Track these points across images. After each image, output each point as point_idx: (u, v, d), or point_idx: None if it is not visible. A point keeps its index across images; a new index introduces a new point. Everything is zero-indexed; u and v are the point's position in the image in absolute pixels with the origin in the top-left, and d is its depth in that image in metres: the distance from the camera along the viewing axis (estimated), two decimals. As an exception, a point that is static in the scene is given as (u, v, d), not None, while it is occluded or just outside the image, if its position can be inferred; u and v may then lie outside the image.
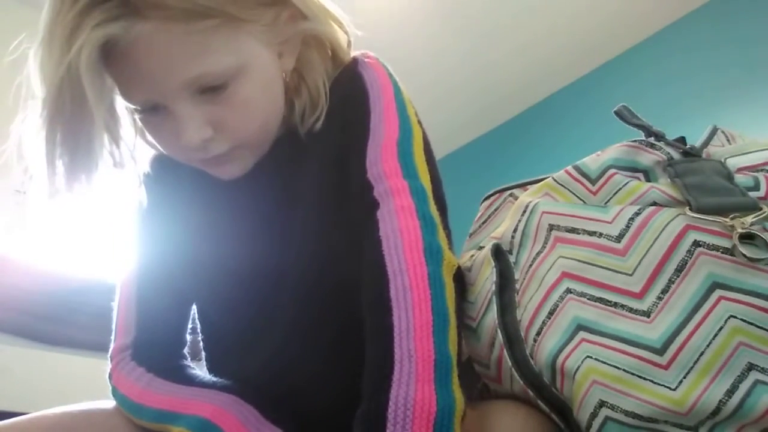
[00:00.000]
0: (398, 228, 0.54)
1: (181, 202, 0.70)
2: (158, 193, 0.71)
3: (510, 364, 0.50)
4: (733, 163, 0.51)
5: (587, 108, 3.02)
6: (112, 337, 0.69)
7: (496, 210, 0.66)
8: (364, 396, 0.48)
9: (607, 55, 3.03)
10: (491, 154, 3.46)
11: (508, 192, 0.66)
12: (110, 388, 0.65)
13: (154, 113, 0.58)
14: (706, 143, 0.54)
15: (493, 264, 0.54)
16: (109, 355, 0.68)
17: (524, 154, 3.25)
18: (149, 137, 0.64)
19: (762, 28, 2.40)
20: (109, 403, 0.64)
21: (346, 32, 0.67)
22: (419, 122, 0.64)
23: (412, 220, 0.54)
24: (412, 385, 0.45)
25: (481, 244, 0.61)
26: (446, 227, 0.58)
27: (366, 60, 0.67)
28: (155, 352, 0.67)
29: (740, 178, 0.49)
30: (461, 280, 0.56)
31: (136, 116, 0.61)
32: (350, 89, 0.64)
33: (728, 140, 0.56)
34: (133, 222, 0.72)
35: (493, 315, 0.52)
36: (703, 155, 0.53)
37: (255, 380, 0.63)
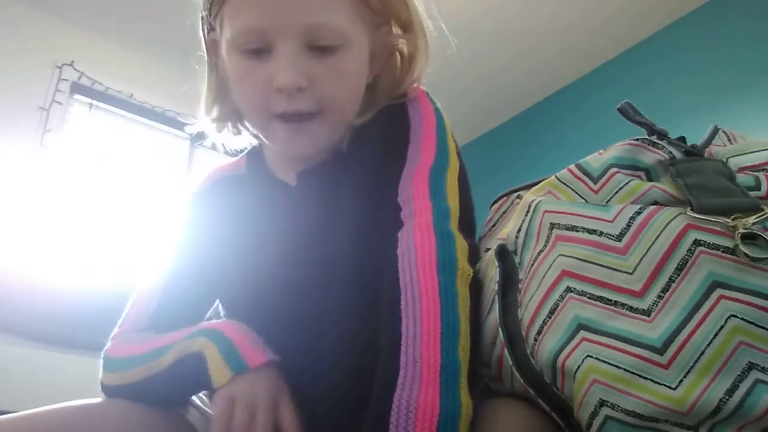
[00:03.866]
0: (414, 244, 0.56)
1: (227, 218, 0.73)
2: (206, 207, 0.75)
3: (510, 363, 0.50)
4: (735, 162, 0.50)
5: (586, 108, 3.02)
6: (119, 322, 0.70)
7: (504, 213, 0.66)
8: (370, 401, 0.49)
9: (606, 56, 3.03)
10: (492, 153, 3.46)
11: (516, 194, 0.66)
12: (102, 362, 0.65)
13: (254, 55, 0.61)
14: (708, 143, 0.54)
15: (497, 264, 0.55)
16: (110, 337, 0.69)
17: (525, 154, 3.25)
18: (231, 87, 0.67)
19: (762, 28, 2.39)
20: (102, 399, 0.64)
21: (422, 69, 0.71)
22: (458, 154, 0.66)
23: (429, 235, 0.56)
24: (416, 389, 0.46)
25: (488, 246, 0.61)
26: (471, 245, 0.59)
27: (415, 96, 0.70)
28: None
29: (741, 178, 0.49)
30: (478, 289, 0.56)
31: (232, 58, 0.63)
32: (393, 120, 0.67)
33: (729, 140, 0.55)
34: (174, 229, 0.75)
35: (495, 315, 0.52)
36: (705, 155, 0.52)
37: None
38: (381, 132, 0.67)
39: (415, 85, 0.72)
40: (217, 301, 0.75)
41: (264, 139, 0.70)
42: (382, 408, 0.47)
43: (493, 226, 0.67)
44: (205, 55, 0.72)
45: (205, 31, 0.70)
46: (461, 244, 0.57)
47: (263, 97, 0.62)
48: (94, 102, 2.91)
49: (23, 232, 2.52)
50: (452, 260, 0.54)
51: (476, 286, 0.55)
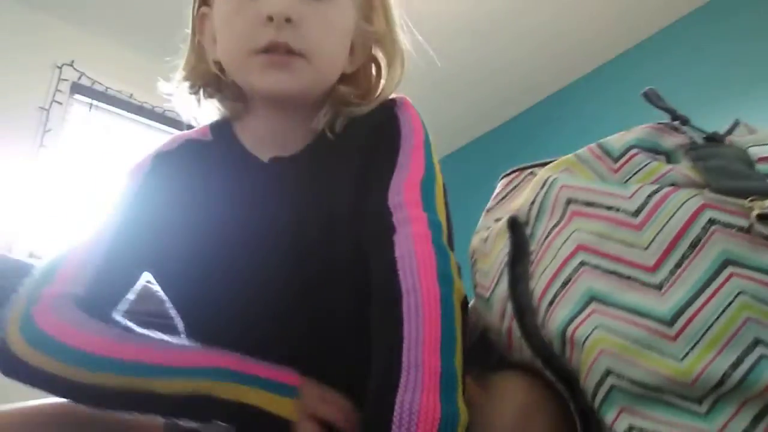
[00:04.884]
0: (414, 251, 0.56)
1: (190, 184, 0.69)
2: (168, 169, 0.70)
3: (519, 334, 0.51)
4: (754, 152, 0.51)
5: (588, 107, 3.02)
6: (46, 276, 0.60)
7: (516, 187, 0.66)
8: (368, 401, 0.49)
9: (606, 55, 3.03)
10: (492, 153, 3.46)
11: (529, 170, 0.66)
12: (29, 333, 0.55)
13: None
14: (729, 132, 0.55)
15: (508, 236, 0.55)
16: (23, 295, 0.58)
17: (525, 154, 3.25)
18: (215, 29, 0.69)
19: (764, 28, 2.40)
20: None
21: (400, 73, 0.73)
22: (440, 171, 0.67)
23: (428, 246, 0.56)
24: (418, 393, 0.47)
25: (497, 216, 0.61)
26: (456, 263, 0.60)
27: (403, 103, 0.70)
28: (108, 310, 0.62)
29: (761, 166, 0.49)
30: (467, 310, 0.57)
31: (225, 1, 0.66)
32: (383, 123, 0.68)
33: (749, 133, 0.56)
34: (126, 188, 0.70)
35: (504, 286, 0.53)
36: (726, 143, 0.53)
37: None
38: (369, 133, 0.68)
39: (394, 95, 0.73)
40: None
41: (241, 81, 0.69)
42: (384, 408, 0.47)
43: (503, 199, 0.67)
44: (189, 33, 0.74)
45: (196, 7, 0.73)
46: (454, 262, 0.57)
47: (250, 30, 0.64)
48: (94, 102, 2.90)
49: (23, 232, 2.52)
50: (449, 275, 0.55)
51: (466, 307, 0.57)
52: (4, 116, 2.61)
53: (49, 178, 2.67)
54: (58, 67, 2.81)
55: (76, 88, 2.85)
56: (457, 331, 0.52)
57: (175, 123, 3.00)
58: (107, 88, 2.89)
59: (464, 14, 2.77)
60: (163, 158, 0.71)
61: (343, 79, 0.71)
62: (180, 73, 0.73)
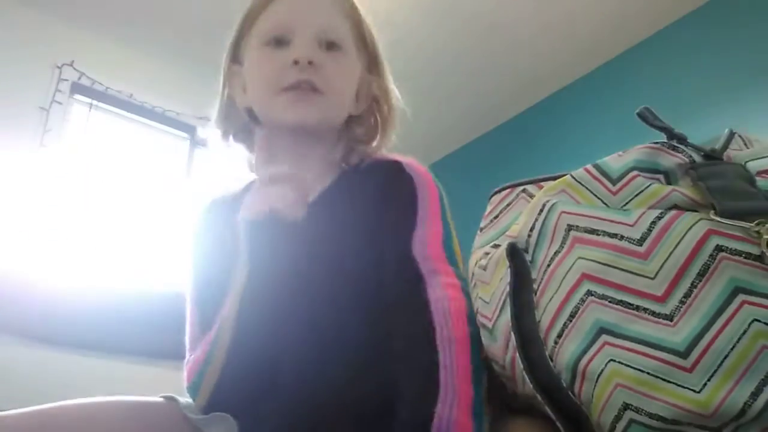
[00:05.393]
0: (447, 296, 0.62)
1: (217, 231, 0.80)
2: (205, 222, 0.83)
3: (522, 367, 0.50)
4: (752, 166, 0.50)
5: (587, 108, 3.03)
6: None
7: (508, 205, 0.65)
8: (405, 412, 0.53)
9: (606, 55, 3.03)
10: (492, 153, 3.47)
11: (521, 188, 0.65)
12: None
13: (276, 47, 0.78)
14: (725, 147, 0.54)
15: (508, 264, 0.54)
16: None
17: (524, 153, 3.26)
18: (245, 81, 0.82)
19: (763, 28, 2.40)
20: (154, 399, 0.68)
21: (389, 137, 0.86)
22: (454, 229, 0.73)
23: (459, 293, 0.62)
24: (455, 410, 0.51)
25: (497, 242, 0.60)
26: None
27: (413, 165, 0.78)
28: None
29: (761, 182, 0.48)
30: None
31: (256, 53, 0.80)
32: (395, 183, 0.75)
33: (745, 144, 0.55)
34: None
35: (507, 316, 0.52)
36: (724, 159, 0.52)
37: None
38: (381, 190, 0.74)
39: (401, 157, 0.80)
40: None
41: (268, 117, 0.80)
42: (424, 418, 0.51)
43: (495, 218, 0.66)
44: (221, 86, 0.86)
45: (227, 64, 0.86)
46: None
47: (279, 73, 0.77)
48: (94, 102, 2.91)
49: (23, 232, 2.51)
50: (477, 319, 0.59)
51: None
52: (4, 116, 2.62)
53: (50, 178, 2.67)
54: (58, 67, 2.81)
55: (76, 88, 2.86)
56: (483, 365, 0.57)
57: (175, 123, 2.99)
58: (107, 88, 2.90)
59: (462, 15, 2.76)
60: (211, 206, 0.85)
61: (352, 120, 0.84)
62: (213, 122, 0.87)
